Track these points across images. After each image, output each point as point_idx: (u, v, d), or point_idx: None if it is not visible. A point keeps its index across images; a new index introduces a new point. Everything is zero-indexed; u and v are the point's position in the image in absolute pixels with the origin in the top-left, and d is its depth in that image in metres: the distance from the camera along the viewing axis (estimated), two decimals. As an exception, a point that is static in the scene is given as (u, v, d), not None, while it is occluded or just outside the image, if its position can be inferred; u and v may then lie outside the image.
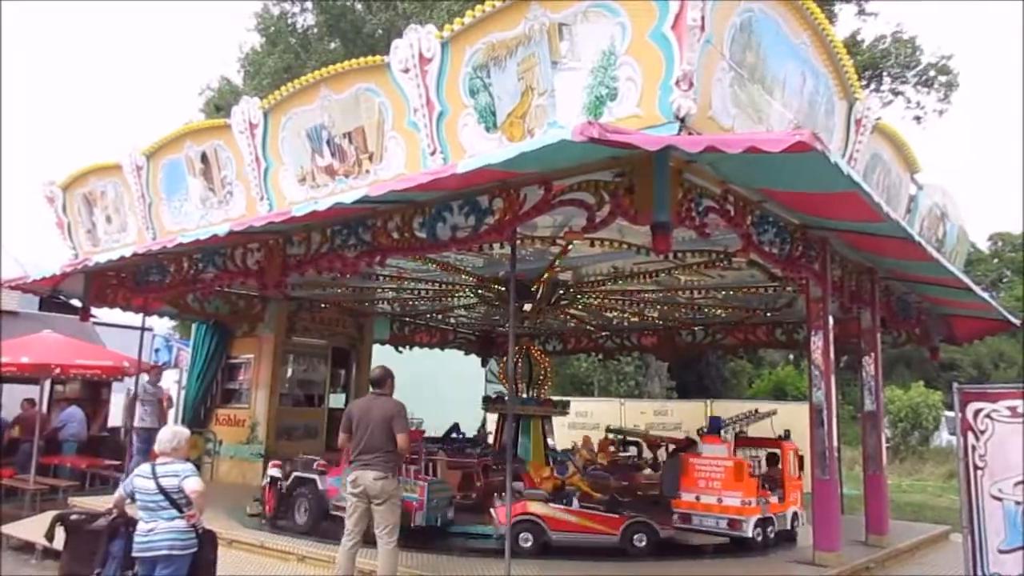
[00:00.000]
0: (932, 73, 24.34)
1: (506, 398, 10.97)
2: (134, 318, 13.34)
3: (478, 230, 6.00)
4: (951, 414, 28.70)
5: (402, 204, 6.54)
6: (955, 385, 6.93)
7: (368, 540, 5.95)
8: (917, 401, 24.62)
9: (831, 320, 7.63)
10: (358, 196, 5.49)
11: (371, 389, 6.10)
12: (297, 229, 7.41)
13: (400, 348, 15.16)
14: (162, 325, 24.94)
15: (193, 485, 4.87)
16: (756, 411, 9.83)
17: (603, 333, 15.17)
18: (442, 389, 17.20)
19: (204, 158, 8.18)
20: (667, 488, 8.30)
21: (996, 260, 46.29)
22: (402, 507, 6.94)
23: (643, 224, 5.13)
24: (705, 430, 8.46)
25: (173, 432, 5.16)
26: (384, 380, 6.07)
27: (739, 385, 32.77)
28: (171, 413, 13.19)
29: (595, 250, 8.02)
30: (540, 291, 10.24)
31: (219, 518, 8.63)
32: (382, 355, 14.94)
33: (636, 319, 13.38)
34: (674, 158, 5.13)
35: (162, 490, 4.82)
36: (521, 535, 7.13)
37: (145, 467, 4.97)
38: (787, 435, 8.84)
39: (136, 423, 11.09)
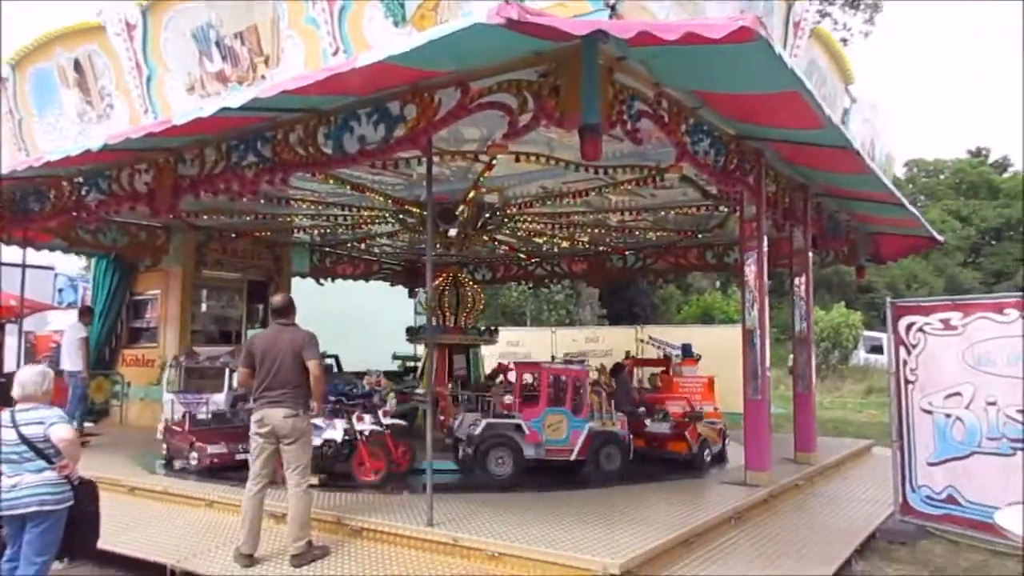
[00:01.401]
0: (859, -6, 24.18)
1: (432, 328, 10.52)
2: (36, 256, 12.26)
3: (388, 140, 5.40)
4: (870, 334, 29.64)
5: (304, 113, 5.86)
6: (888, 299, 6.81)
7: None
8: (838, 322, 25.38)
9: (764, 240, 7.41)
10: (246, 99, 4.78)
11: (273, 319, 5.49)
12: (189, 145, 6.64)
13: (321, 280, 14.41)
14: (70, 263, 23.34)
15: (61, 433, 4.24)
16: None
17: (533, 260, 14.77)
18: (368, 323, 16.60)
19: (77, 66, 7.20)
20: (620, 403, 8.52)
21: (911, 185, 47.88)
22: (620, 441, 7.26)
23: (570, 128, 4.63)
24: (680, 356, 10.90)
25: (41, 373, 4.49)
26: (288, 308, 5.46)
27: (668, 311, 33.21)
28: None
29: (521, 167, 7.51)
30: (465, 214, 9.69)
31: (122, 464, 8.04)
32: (302, 288, 14.23)
33: (566, 244, 13.00)
34: (604, 54, 4.62)
35: (25, 440, 4.18)
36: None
37: (3, 414, 4.31)
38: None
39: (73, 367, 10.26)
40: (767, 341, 7.39)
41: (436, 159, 7.17)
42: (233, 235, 11.94)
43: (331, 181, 7.94)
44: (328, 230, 11.66)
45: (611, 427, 7.49)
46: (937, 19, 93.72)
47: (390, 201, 8.94)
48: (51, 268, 20.72)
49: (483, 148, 6.80)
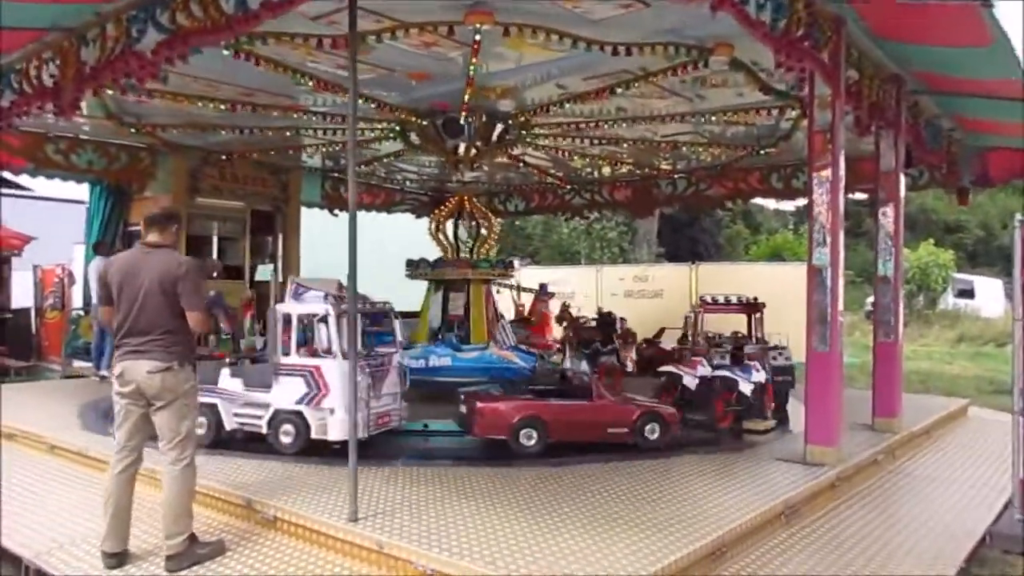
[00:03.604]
0: None
1: (434, 261, 9.05)
2: (66, 189, 11.27)
3: (296, -16, 3.82)
4: (959, 276, 26.66)
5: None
6: (1017, 216, 4.94)
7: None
8: (926, 261, 22.72)
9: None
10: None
11: (143, 237, 4.01)
12: (88, 17, 5.21)
13: (335, 211, 13.03)
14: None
15: None
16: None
17: (570, 187, 13.01)
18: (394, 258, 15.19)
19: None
20: None
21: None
22: None
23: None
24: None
25: None
26: (164, 223, 3.97)
27: (735, 251, 31.17)
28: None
29: (523, 54, 5.88)
30: (474, 125, 8.07)
31: (65, 417, 6.92)
32: (315, 219, 12.91)
33: (607, 168, 11.22)
34: None
35: None
36: None
37: None
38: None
39: None
40: (840, 282, 5.62)
41: (404, 39, 5.61)
42: (224, 156, 10.58)
43: (291, 74, 6.42)
44: (328, 149, 10.17)
45: None
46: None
47: (374, 106, 7.37)
48: (82, 203, 19.96)
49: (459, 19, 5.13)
